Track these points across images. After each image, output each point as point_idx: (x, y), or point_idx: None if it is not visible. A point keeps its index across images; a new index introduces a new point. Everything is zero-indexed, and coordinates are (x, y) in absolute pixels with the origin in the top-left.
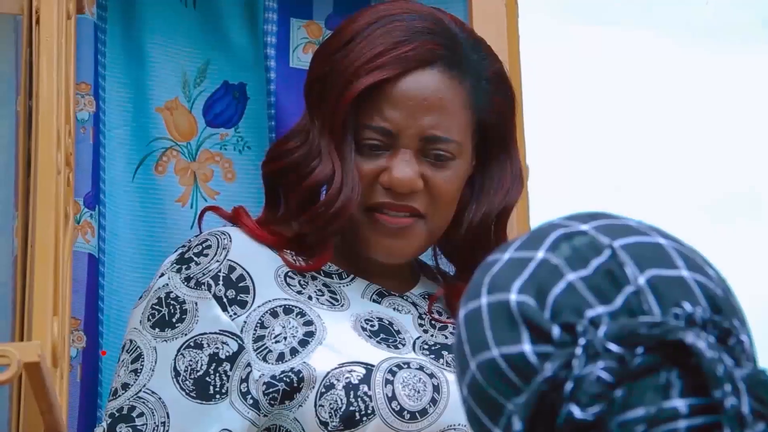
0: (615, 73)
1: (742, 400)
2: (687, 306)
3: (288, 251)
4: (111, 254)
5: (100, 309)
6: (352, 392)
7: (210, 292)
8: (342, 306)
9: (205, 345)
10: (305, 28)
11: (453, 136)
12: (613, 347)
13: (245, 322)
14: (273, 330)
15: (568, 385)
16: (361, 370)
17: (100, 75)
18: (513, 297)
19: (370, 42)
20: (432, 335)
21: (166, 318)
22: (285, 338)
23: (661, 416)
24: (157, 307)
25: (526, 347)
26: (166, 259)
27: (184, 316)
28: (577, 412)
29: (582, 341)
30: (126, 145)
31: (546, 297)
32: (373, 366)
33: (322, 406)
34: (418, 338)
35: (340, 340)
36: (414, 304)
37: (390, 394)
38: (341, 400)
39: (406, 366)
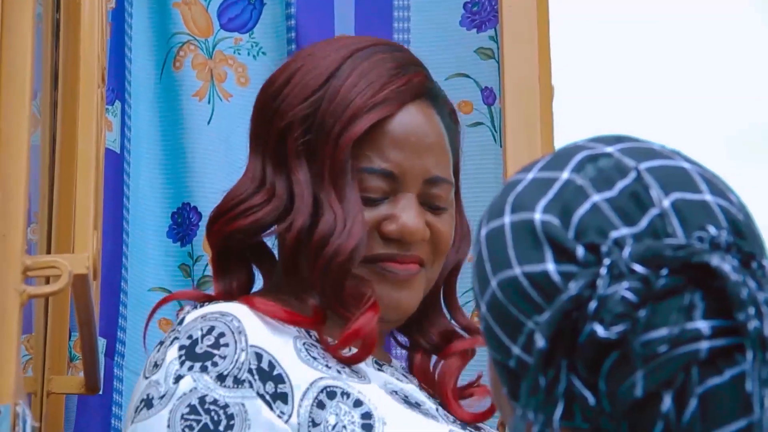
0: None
1: (764, 322)
2: (711, 229)
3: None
4: (136, 153)
5: (125, 207)
6: None
7: (253, 389)
8: (364, 378)
9: None
10: None
11: (449, 177)
12: (637, 268)
13: (299, 423)
14: (327, 422)
15: (592, 304)
16: None
17: None
18: (537, 216)
19: (363, 76)
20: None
21: (211, 428)
22: (344, 427)
23: (684, 336)
24: (192, 417)
25: (550, 266)
26: (158, 354)
27: (232, 422)
28: (600, 330)
29: (607, 261)
30: (148, 45)
31: (570, 217)
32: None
33: None
34: (437, 409)
35: (397, 415)
36: (404, 375)
37: None
38: None
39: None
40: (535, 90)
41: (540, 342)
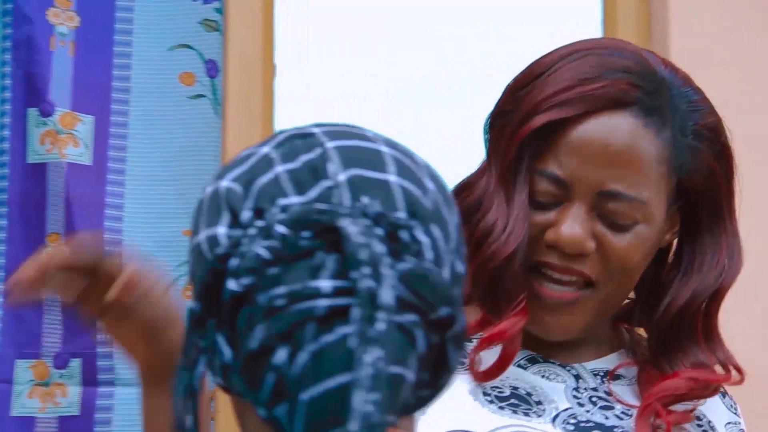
0: None
1: (383, 285)
2: (365, 199)
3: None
4: None
5: None
6: None
7: None
8: (465, 369)
9: None
10: None
11: (637, 194)
12: (281, 229)
13: None
14: None
15: (233, 261)
16: None
17: None
18: (224, 184)
19: (557, 76)
20: (588, 410)
21: None
22: None
23: (303, 293)
24: None
25: (221, 229)
26: None
27: None
28: (231, 284)
29: (260, 223)
30: None
31: (252, 186)
32: None
33: None
34: (566, 410)
35: (446, 405)
36: (577, 377)
37: None
38: None
39: None
40: (258, 66)
41: (191, 301)
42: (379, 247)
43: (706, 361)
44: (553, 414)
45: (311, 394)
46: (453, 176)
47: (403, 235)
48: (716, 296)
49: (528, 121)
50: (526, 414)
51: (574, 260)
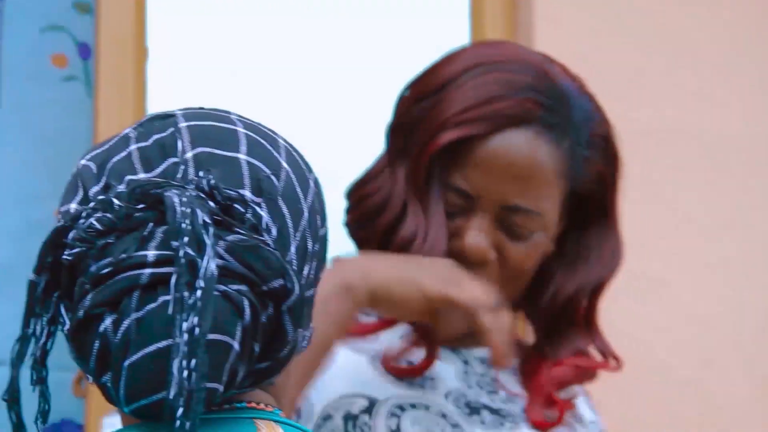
0: None
1: (205, 254)
2: (201, 173)
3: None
4: None
5: None
6: (351, 422)
7: None
8: (368, 341)
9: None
10: None
11: (537, 208)
12: (118, 202)
13: None
14: None
15: (71, 234)
16: (364, 402)
17: None
18: (83, 163)
19: (463, 92)
20: (476, 392)
21: None
22: None
23: (129, 262)
24: None
25: (73, 206)
26: None
27: None
28: (65, 254)
29: (101, 197)
30: None
31: (106, 164)
32: (378, 400)
33: None
34: (457, 389)
35: (347, 372)
36: (465, 362)
37: (394, 427)
38: (338, 429)
39: (423, 407)
40: (130, 48)
41: (31, 275)
42: (203, 218)
43: (585, 349)
44: (446, 390)
45: (132, 360)
46: None
47: (238, 208)
48: (598, 289)
49: (436, 137)
50: (422, 386)
51: (476, 268)
